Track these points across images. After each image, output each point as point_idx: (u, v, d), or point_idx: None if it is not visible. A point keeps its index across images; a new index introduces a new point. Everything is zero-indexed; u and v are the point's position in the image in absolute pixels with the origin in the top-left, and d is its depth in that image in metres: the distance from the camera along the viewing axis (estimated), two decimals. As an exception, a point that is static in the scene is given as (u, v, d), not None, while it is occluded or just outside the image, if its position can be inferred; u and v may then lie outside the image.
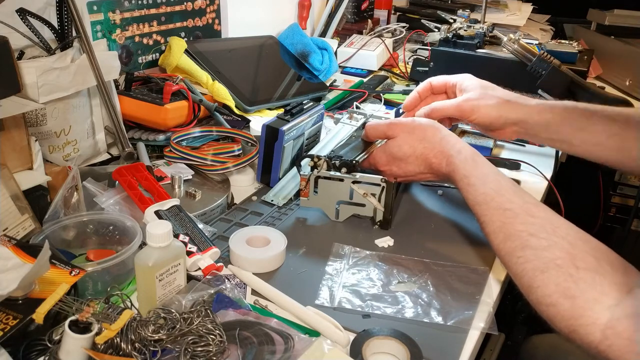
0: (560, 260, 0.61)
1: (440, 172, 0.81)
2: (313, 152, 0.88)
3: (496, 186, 0.72)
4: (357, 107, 1.22)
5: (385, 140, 0.87)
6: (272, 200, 0.91)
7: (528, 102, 0.88)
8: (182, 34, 1.26)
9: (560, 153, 1.08)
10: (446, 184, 0.97)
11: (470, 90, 0.90)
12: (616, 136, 0.84)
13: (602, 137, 0.84)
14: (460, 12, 1.53)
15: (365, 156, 0.87)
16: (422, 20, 1.70)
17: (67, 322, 0.54)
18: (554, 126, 0.86)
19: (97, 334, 0.54)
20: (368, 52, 1.59)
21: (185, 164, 0.95)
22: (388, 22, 1.96)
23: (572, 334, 0.58)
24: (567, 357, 0.93)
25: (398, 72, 1.59)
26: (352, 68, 1.59)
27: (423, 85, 0.97)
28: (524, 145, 1.17)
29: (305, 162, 0.87)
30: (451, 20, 1.45)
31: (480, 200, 0.73)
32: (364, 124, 1.02)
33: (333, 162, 0.85)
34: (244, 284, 0.72)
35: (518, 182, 1.01)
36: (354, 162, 0.84)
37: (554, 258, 0.61)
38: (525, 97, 0.88)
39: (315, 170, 0.85)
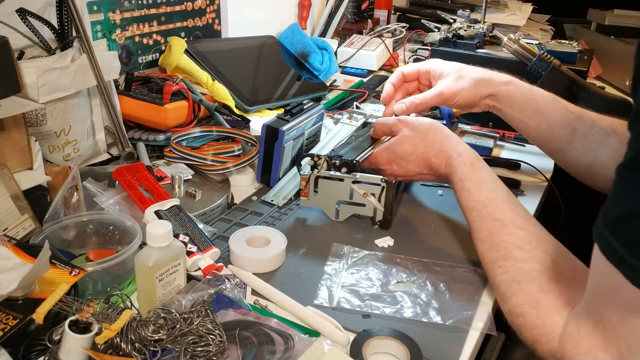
0: (535, 273, 0.62)
1: (439, 172, 0.81)
2: (313, 151, 0.88)
3: (490, 194, 0.73)
4: (357, 107, 1.22)
5: (390, 138, 0.88)
6: (272, 200, 0.91)
7: (500, 77, 0.91)
8: (182, 34, 1.26)
9: (560, 153, 1.08)
10: (446, 184, 0.97)
11: (447, 75, 0.92)
12: (569, 126, 0.86)
13: (556, 124, 0.86)
14: (460, 12, 1.53)
15: (366, 156, 0.87)
16: (422, 20, 1.70)
17: (67, 322, 0.54)
18: (517, 104, 0.89)
19: (97, 334, 0.54)
20: (368, 52, 1.59)
21: (185, 164, 0.95)
22: (388, 22, 1.96)
23: (535, 344, 0.59)
24: None
25: (398, 72, 1.59)
26: (352, 68, 1.59)
27: (395, 75, 0.99)
28: (524, 145, 1.17)
29: (306, 162, 0.87)
30: (451, 20, 1.45)
31: (472, 207, 0.73)
32: (364, 124, 1.03)
33: (333, 161, 0.85)
34: (244, 284, 0.72)
35: (518, 182, 1.01)
36: (354, 161, 0.84)
37: (530, 270, 0.62)
38: (499, 74, 0.92)
39: (316, 169, 0.85)
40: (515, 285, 0.63)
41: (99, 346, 0.55)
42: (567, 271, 0.62)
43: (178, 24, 1.25)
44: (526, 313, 0.60)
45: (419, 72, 0.97)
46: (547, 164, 1.09)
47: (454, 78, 0.91)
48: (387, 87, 0.99)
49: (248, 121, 1.15)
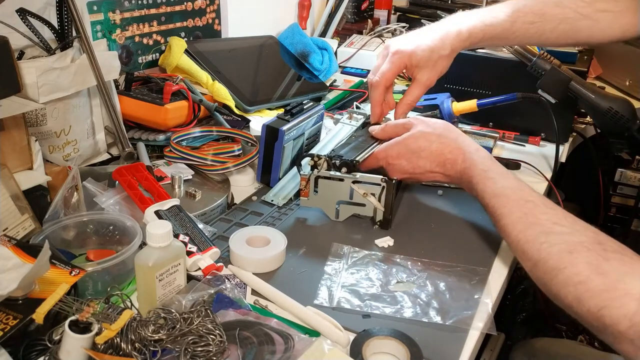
0: (586, 243, 0.62)
1: (453, 168, 0.82)
2: (313, 151, 0.88)
3: (514, 182, 0.76)
4: (357, 107, 1.22)
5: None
6: (272, 200, 0.91)
7: (459, 35, 0.92)
8: (182, 34, 1.26)
9: (560, 153, 1.08)
10: (446, 184, 0.97)
11: (423, 66, 0.93)
12: (535, 36, 0.94)
13: (524, 41, 0.97)
14: (460, 12, 1.52)
15: (368, 155, 0.87)
16: (422, 20, 1.70)
17: (67, 322, 0.54)
18: (481, 44, 0.96)
19: (97, 334, 0.54)
20: (368, 52, 1.59)
21: (185, 164, 0.95)
22: (388, 22, 1.96)
23: (602, 310, 0.57)
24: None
25: (398, 72, 1.59)
26: (352, 68, 1.59)
27: (379, 94, 0.95)
28: (524, 145, 1.17)
29: (306, 162, 0.87)
30: (451, 20, 1.45)
31: (500, 193, 0.75)
32: (364, 124, 1.02)
33: (333, 161, 0.85)
34: (244, 284, 0.72)
35: (518, 182, 1.01)
36: (354, 161, 0.84)
37: (580, 241, 0.63)
38: (458, 29, 0.93)
39: (316, 169, 0.85)
40: (567, 256, 0.62)
41: (99, 346, 0.55)
42: (612, 243, 0.62)
43: (178, 24, 1.25)
44: (589, 279, 0.59)
45: (399, 72, 0.95)
46: (547, 164, 1.09)
47: (432, 66, 0.92)
48: (374, 110, 0.96)
49: (248, 121, 1.15)
